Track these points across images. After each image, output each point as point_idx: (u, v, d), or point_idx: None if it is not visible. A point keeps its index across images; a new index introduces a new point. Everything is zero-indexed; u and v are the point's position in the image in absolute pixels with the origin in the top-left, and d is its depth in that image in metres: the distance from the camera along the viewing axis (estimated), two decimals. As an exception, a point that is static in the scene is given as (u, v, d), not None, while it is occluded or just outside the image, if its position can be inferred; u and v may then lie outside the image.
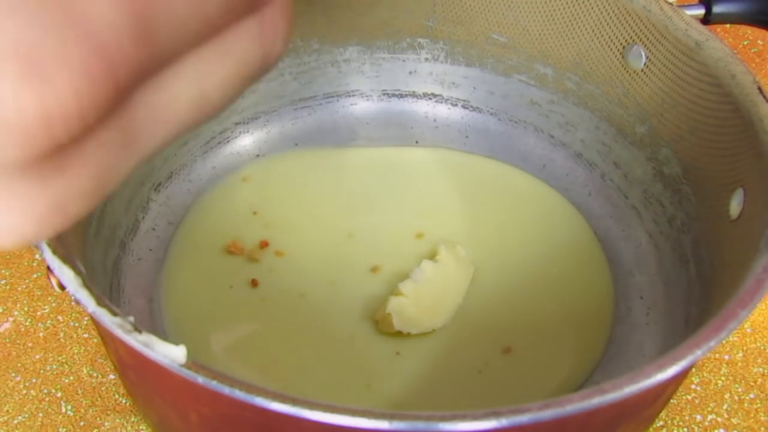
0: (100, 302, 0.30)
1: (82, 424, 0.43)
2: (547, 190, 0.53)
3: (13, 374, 0.45)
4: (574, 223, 0.51)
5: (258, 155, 0.55)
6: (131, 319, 0.29)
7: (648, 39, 0.47)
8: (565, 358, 0.44)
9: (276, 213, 0.51)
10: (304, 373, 0.43)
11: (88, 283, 0.31)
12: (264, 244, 0.49)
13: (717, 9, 0.48)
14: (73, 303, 0.48)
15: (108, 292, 0.43)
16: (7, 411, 0.44)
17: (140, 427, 0.43)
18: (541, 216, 0.52)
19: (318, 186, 0.53)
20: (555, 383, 0.43)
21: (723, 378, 0.47)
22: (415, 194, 0.52)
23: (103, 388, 0.45)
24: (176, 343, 0.29)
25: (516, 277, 0.48)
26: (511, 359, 0.44)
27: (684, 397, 0.45)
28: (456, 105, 0.57)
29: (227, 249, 0.48)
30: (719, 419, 0.45)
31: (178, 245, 0.49)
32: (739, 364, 0.47)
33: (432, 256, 0.47)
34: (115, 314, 0.30)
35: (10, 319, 0.48)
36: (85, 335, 0.47)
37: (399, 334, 0.44)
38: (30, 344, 0.47)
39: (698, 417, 0.45)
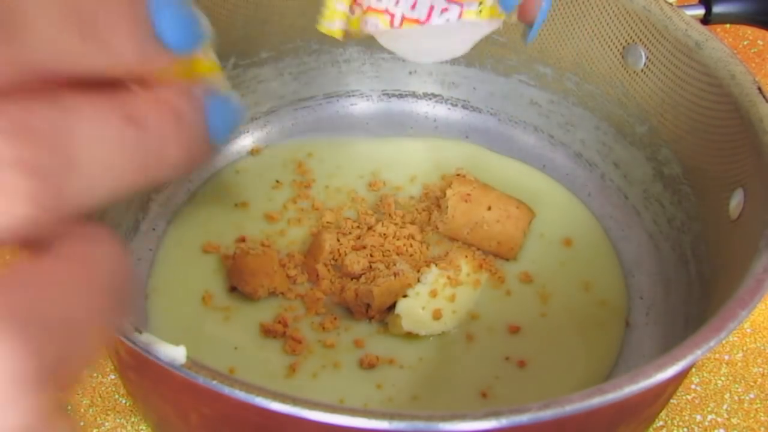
0: (100, 302, 0.30)
1: (81, 424, 0.43)
2: (565, 194, 0.53)
3: (13, 374, 0.45)
4: (585, 224, 0.51)
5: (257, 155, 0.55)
6: (131, 319, 0.30)
7: (648, 39, 0.47)
8: (576, 369, 0.44)
9: (266, 207, 0.51)
10: (302, 376, 0.43)
11: (88, 283, 0.31)
12: (242, 239, 0.48)
13: (717, 9, 0.48)
14: (73, 303, 0.48)
15: (108, 292, 0.43)
16: (7, 411, 0.44)
17: (140, 427, 0.43)
18: (548, 215, 0.51)
19: (314, 178, 0.53)
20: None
21: (723, 378, 0.47)
22: (417, 187, 0.52)
23: (103, 388, 0.45)
24: (175, 343, 0.29)
25: (526, 282, 0.48)
26: (521, 371, 0.43)
27: (684, 397, 0.45)
28: (456, 105, 0.57)
29: (204, 249, 0.48)
30: (719, 419, 0.45)
31: (168, 246, 0.48)
32: (739, 364, 0.47)
33: (439, 258, 0.47)
34: (115, 314, 0.30)
35: (10, 319, 0.48)
36: (85, 335, 0.47)
37: (408, 335, 0.44)
38: (30, 344, 0.47)
39: (698, 417, 0.45)
